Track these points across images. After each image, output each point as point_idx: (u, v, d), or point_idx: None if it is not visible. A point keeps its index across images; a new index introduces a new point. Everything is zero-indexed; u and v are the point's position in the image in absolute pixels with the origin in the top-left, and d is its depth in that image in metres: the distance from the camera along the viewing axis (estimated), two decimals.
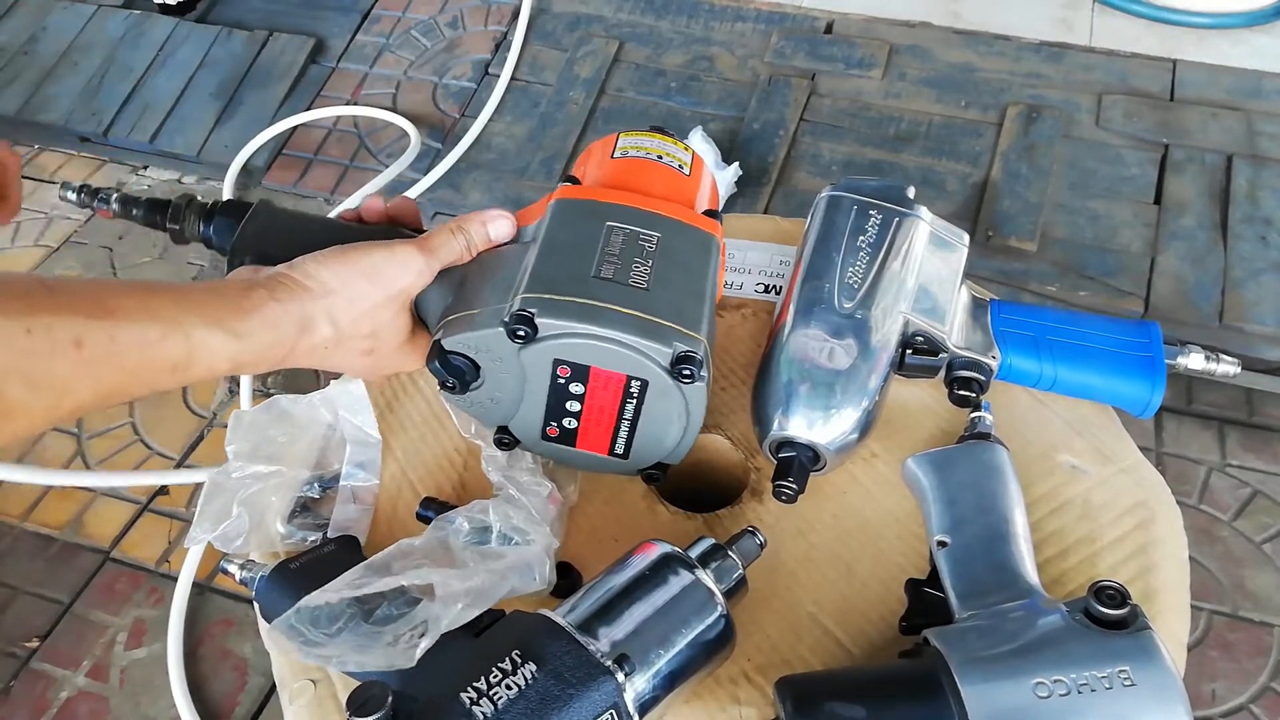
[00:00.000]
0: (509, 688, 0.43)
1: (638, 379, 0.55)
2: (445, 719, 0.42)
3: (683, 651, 0.47)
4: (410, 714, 0.42)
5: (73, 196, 0.65)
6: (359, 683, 0.43)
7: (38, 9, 2.20)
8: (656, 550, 0.50)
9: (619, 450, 0.60)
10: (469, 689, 0.43)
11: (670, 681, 0.46)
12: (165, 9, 2.12)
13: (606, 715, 0.44)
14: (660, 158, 0.67)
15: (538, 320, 0.53)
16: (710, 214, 0.62)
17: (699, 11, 1.96)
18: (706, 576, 0.49)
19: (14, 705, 1.21)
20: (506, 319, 0.53)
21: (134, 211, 0.64)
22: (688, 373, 0.53)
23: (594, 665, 0.44)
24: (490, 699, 0.42)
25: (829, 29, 1.89)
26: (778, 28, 1.90)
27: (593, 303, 0.54)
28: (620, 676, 0.44)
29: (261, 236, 0.61)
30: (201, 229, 0.63)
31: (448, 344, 0.56)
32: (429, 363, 0.57)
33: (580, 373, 0.56)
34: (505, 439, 0.61)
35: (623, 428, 0.58)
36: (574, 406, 0.58)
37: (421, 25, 2.04)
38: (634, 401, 0.56)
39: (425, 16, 2.05)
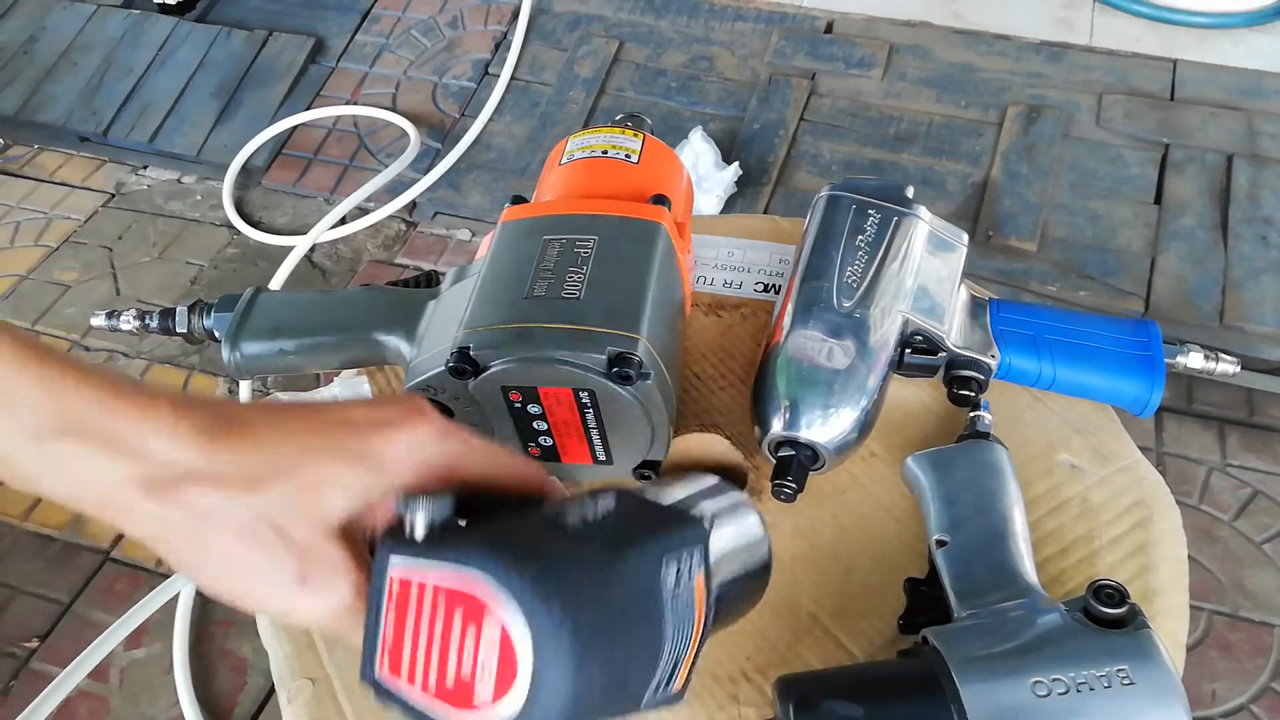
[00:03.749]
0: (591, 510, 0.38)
1: (583, 390, 0.55)
2: (521, 520, 0.37)
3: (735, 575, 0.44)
4: (475, 508, 0.37)
5: (102, 322, 0.67)
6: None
7: (38, 9, 2.20)
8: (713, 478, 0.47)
9: (601, 457, 0.60)
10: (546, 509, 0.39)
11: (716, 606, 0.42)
12: (165, 9, 2.13)
13: (696, 550, 0.39)
14: (605, 152, 0.66)
15: (474, 354, 0.54)
16: (658, 199, 0.62)
17: (699, 11, 1.96)
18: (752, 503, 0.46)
19: (14, 705, 1.21)
20: (448, 359, 0.54)
21: (149, 324, 0.65)
22: (626, 374, 0.53)
23: (678, 511, 0.42)
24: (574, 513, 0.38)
25: (829, 29, 1.89)
26: (778, 27, 1.90)
27: (524, 325, 0.54)
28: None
29: (256, 319, 0.63)
30: (204, 325, 0.64)
31: (408, 390, 0.58)
32: None
33: (530, 394, 0.56)
34: None
35: (594, 436, 0.58)
36: (541, 426, 0.58)
37: (421, 25, 2.04)
38: (590, 410, 0.56)
39: (425, 16, 2.05)
